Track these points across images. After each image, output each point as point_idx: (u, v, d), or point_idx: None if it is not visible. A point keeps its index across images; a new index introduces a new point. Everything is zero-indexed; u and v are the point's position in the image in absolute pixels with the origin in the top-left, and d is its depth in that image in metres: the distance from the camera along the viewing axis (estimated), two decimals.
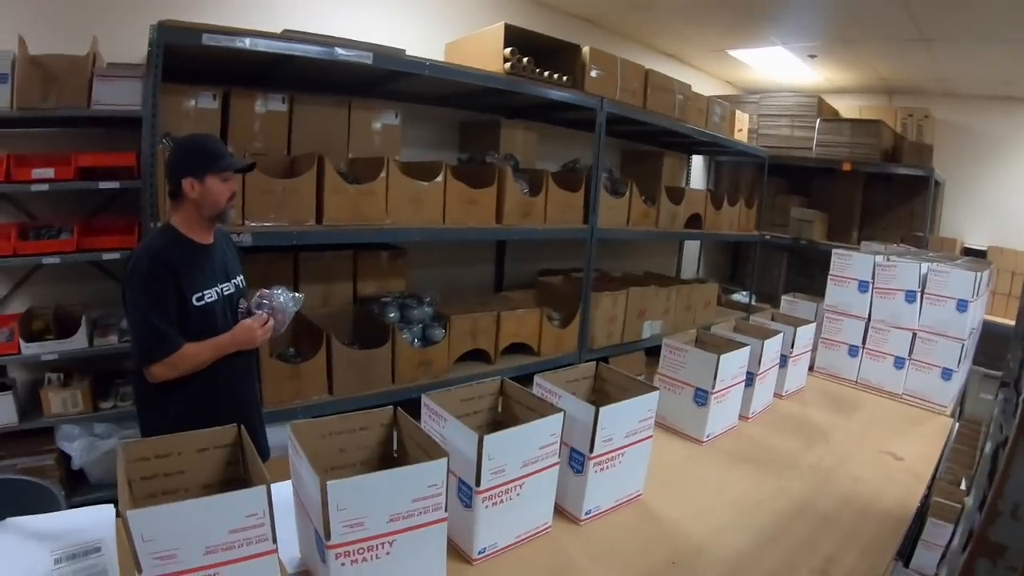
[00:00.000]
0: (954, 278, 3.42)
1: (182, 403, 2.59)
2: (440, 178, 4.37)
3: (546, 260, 6.76)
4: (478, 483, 1.65)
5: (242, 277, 2.88)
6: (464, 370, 4.69)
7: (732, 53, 7.93)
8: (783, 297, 4.27)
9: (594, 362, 2.41)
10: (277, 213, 3.69)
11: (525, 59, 4.74)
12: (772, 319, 3.63)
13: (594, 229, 5.46)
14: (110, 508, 1.48)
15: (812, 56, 7.61)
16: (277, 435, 2.85)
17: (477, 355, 4.87)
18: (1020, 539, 0.86)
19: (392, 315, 4.47)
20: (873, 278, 3.65)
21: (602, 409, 1.90)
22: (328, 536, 1.35)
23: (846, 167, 8.13)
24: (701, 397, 2.66)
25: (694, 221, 6.96)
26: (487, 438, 1.62)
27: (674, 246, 9.20)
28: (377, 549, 1.42)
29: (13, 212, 3.77)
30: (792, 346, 3.33)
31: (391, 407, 1.77)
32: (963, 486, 2.82)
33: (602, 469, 1.98)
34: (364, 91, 4.80)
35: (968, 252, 7.30)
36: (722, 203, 7.38)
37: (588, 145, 5.55)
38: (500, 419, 2.07)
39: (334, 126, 4.58)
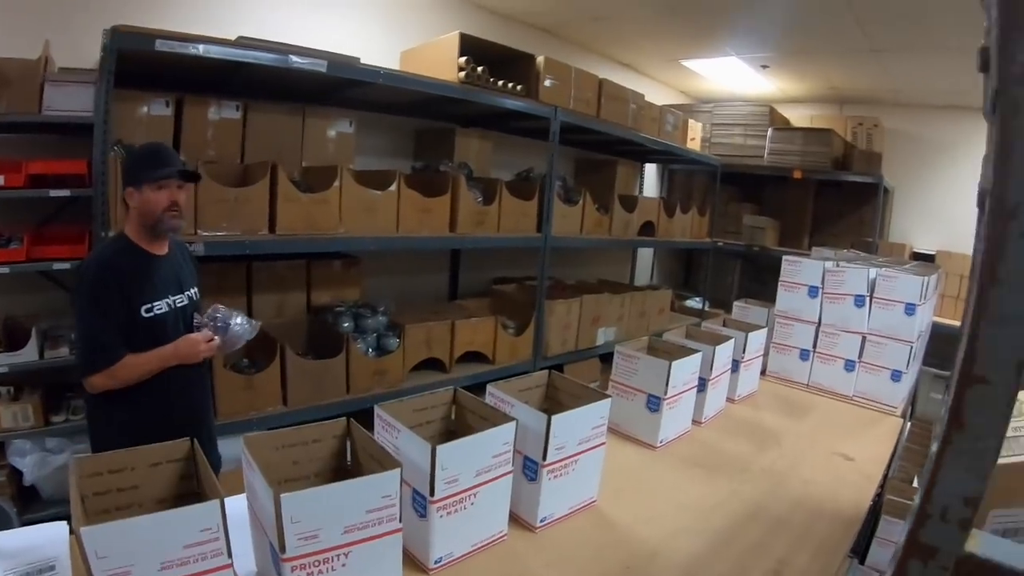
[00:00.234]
0: (902, 283, 3.48)
1: (133, 415, 2.55)
2: (394, 187, 4.37)
3: (500, 268, 6.78)
4: (432, 493, 1.66)
5: (196, 289, 2.84)
6: (419, 379, 4.69)
7: (686, 63, 8.04)
8: (735, 303, 4.32)
9: (546, 370, 2.43)
10: (230, 222, 3.66)
11: (480, 68, 4.77)
12: (724, 325, 3.67)
13: (548, 237, 5.50)
14: (63, 525, 1.47)
15: (765, 66, 7.75)
16: (232, 447, 2.84)
17: (432, 364, 4.87)
18: (949, 541, 0.90)
19: (346, 325, 4.47)
20: (823, 283, 3.71)
21: (554, 417, 1.92)
22: (283, 549, 1.35)
23: (797, 175, 8.27)
24: (654, 403, 2.69)
25: (647, 229, 7.05)
26: (440, 448, 1.63)
27: (628, 253, 9.28)
28: (333, 561, 1.43)
29: None
30: (744, 351, 3.37)
31: (344, 419, 1.77)
32: (915, 484, 2.88)
33: (556, 477, 2.00)
34: (319, 99, 4.79)
35: (917, 257, 7.45)
36: (675, 211, 7.48)
37: (542, 154, 5.59)
38: (454, 428, 2.07)
39: (288, 134, 4.57)
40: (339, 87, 4.41)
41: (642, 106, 6.49)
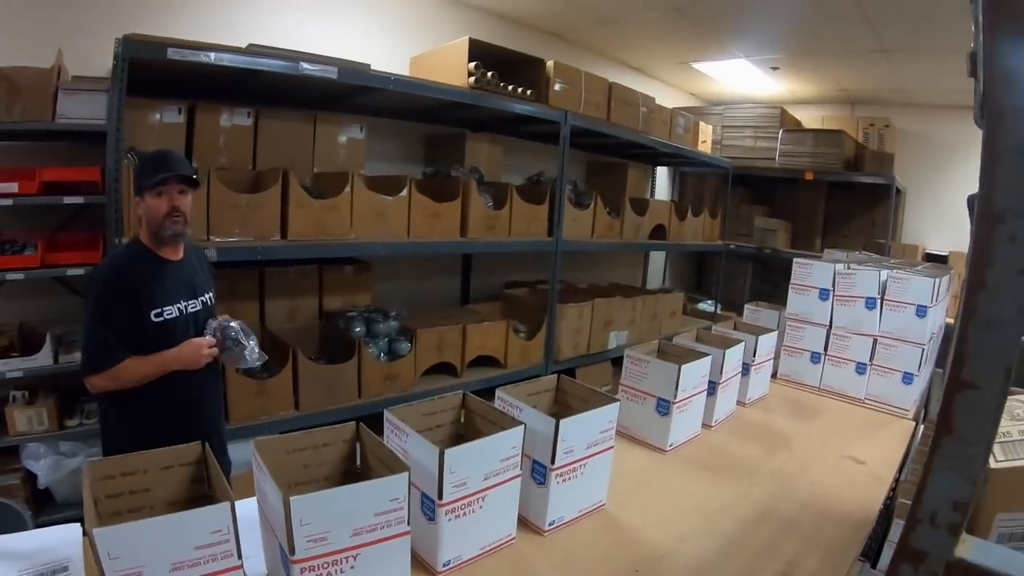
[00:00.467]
0: (913, 284, 3.46)
1: (145, 419, 2.58)
2: (404, 192, 4.39)
3: (512, 273, 6.79)
4: (440, 496, 1.67)
5: (211, 295, 2.86)
6: (430, 383, 4.70)
7: (696, 66, 8.04)
8: (746, 306, 4.30)
9: (556, 375, 2.43)
10: (242, 228, 3.69)
11: (489, 73, 4.79)
12: (735, 328, 3.66)
13: (559, 241, 5.51)
14: (77, 527, 1.48)
15: (775, 68, 7.74)
16: (243, 451, 2.85)
17: (443, 368, 4.88)
18: (939, 545, 0.90)
19: (358, 329, 4.48)
20: (833, 286, 3.68)
21: (562, 421, 1.92)
22: (292, 551, 1.36)
23: (809, 176, 8.25)
24: (663, 407, 2.69)
25: (659, 232, 7.04)
26: (448, 452, 1.64)
27: (639, 257, 9.27)
28: (341, 563, 1.44)
29: None
30: (754, 354, 3.36)
31: (353, 423, 1.79)
32: None
33: (564, 480, 2.00)
34: (329, 105, 4.82)
35: (930, 258, 7.40)
36: (686, 213, 7.47)
37: (553, 158, 5.60)
38: (463, 432, 2.08)
39: (299, 140, 4.59)
40: (350, 93, 4.44)
41: (652, 109, 6.49)
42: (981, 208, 0.77)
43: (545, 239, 5.47)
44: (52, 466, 3.63)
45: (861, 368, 3.63)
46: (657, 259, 9.69)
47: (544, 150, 6.54)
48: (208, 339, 2.68)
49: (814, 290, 3.77)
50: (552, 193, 5.47)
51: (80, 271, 3.57)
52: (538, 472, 1.99)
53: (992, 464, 1.47)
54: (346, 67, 3.87)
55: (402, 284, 5.84)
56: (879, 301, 3.55)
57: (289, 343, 3.97)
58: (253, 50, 3.55)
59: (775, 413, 3.39)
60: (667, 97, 8.59)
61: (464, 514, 1.74)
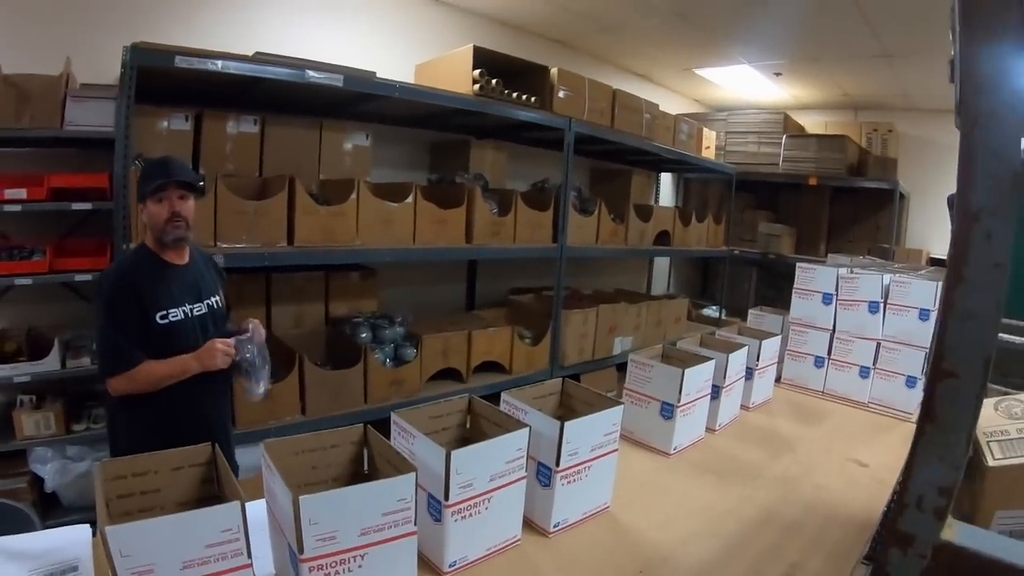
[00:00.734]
0: (916, 288, 3.47)
1: (152, 423, 2.59)
2: (410, 199, 4.41)
3: (517, 279, 6.79)
4: (447, 497, 1.68)
5: (218, 299, 2.88)
6: (436, 389, 4.70)
7: (699, 72, 8.07)
8: (750, 311, 4.31)
9: (560, 379, 2.45)
10: (249, 234, 3.71)
11: (494, 80, 4.81)
12: (739, 333, 3.67)
13: (563, 247, 5.52)
14: (86, 528, 1.50)
15: (778, 74, 7.76)
16: (250, 456, 2.86)
17: (449, 374, 4.89)
18: (926, 529, 0.92)
19: (364, 335, 4.50)
20: (837, 290, 3.70)
21: (567, 424, 1.94)
22: (301, 550, 1.38)
23: (812, 182, 8.26)
24: (667, 411, 2.70)
25: (663, 238, 7.05)
26: (454, 453, 1.65)
27: (644, 263, 9.28)
28: (349, 562, 1.45)
29: None
30: (758, 359, 3.37)
31: (361, 425, 1.80)
32: None
33: (569, 482, 2.02)
34: (335, 112, 4.85)
35: (934, 262, 7.40)
36: (690, 219, 7.48)
37: (557, 164, 5.61)
38: (468, 435, 2.10)
39: (305, 147, 4.62)
40: (355, 101, 4.46)
41: (656, 115, 6.51)
42: (958, 207, 0.79)
43: (550, 245, 5.48)
44: (59, 470, 3.65)
45: (864, 372, 3.64)
46: (662, 265, 9.70)
47: (548, 156, 6.57)
48: (230, 343, 2.68)
49: (817, 294, 3.78)
50: (556, 199, 5.48)
51: (88, 277, 3.59)
52: (543, 474, 2.01)
53: (991, 462, 1.48)
54: (352, 75, 3.90)
55: (408, 290, 5.86)
56: (882, 305, 3.56)
57: (295, 349, 3.99)
58: (259, 58, 3.58)
59: (779, 417, 3.40)
60: (671, 103, 8.61)
61: (470, 515, 1.75)
